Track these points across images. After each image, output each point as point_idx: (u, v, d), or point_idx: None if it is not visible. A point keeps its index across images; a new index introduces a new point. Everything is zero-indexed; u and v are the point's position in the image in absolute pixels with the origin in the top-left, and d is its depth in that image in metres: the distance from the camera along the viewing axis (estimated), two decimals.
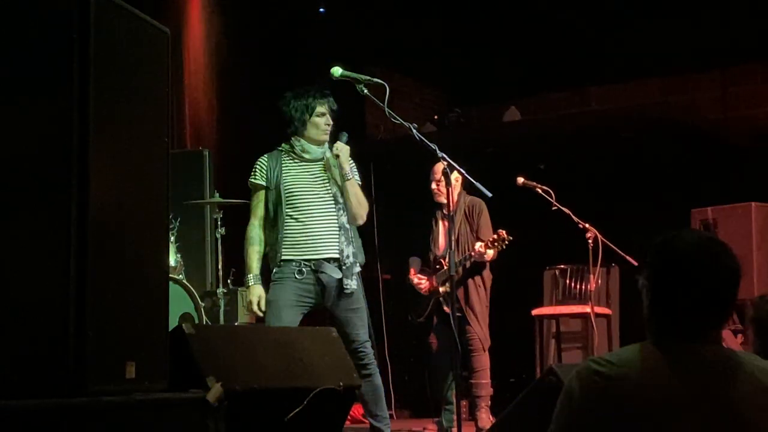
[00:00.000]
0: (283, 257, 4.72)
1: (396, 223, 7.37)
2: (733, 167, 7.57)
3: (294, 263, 4.72)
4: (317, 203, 4.77)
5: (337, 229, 4.75)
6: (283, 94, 4.89)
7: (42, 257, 2.59)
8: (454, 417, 5.64)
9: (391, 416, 7.49)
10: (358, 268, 4.81)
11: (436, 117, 9.16)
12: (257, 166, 4.86)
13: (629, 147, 7.80)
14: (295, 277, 4.71)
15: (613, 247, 6.00)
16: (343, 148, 4.79)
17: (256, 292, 4.76)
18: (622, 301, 7.20)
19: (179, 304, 6.15)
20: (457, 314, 5.90)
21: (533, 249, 6.19)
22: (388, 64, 8.51)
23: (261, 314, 4.79)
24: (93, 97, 2.66)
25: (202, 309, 6.27)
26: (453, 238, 5.83)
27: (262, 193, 4.82)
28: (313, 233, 4.74)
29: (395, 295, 7.28)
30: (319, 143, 4.85)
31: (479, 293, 5.99)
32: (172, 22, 6.85)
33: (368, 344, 4.76)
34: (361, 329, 4.75)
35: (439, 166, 5.81)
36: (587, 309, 6.37)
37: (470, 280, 5.98)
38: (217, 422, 2.95)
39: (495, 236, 5.78)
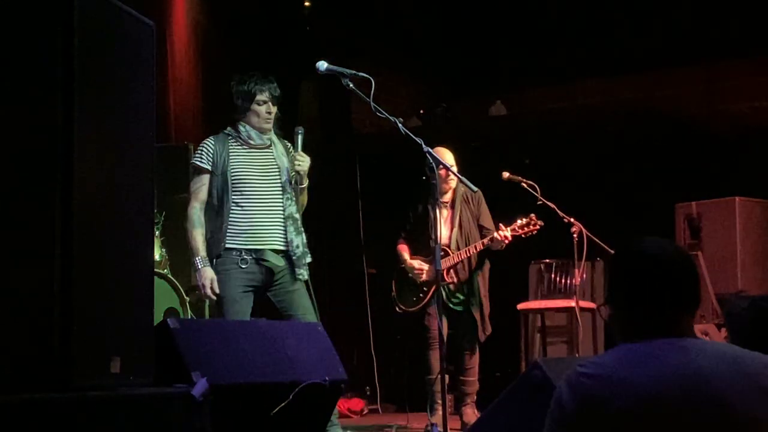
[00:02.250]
0: (226, 245, 4.63)
1: (381, 218, 7.35)
2: (717, 162, 7.59)
3: (236, 252, 4.64)
4: (264, 191, 4.69)
5: (283, 219, 4.68)
6: (230, 79, 4.79)
7: (26, 252, 2.57)
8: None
9: (376, 410, 7.53)
10: (309, 258, 4.73)
11: (422, 111, 9.15)
12: (203, 149, 4.73)
13: (614, 142, 7.82)
14: (239, 266, 4.63)
15: (598, 241, 6.02)
16: (304, 162, 4.71)
17: (208, 275, 4.61)
18: None
19: (164, 299, 6.13)
20: (457, 308, 5.91)
21: (518, 243, 6.18)
22: (373, 59, 8.49)
23: (214, 297, 4.65)
24: (77, 90, 2.64)
25: (188, 304, 6.25)
26: (455, 224, 5.90)
27: (206, 177, 4.70)
28: (257, 222, 4.67)
29: (380, 289, 7.27)
30: (262, 131, 4.77)
31: (484, 286, 5.99)
32: (156, 14, 6.80)
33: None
34: (309, 313, 4.63)
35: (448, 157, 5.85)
36: (572, 303, 6.39)
37: (477, 271, 5.98)
38: (203, 417, 2.94)
39: (527, 219, 5.79)
